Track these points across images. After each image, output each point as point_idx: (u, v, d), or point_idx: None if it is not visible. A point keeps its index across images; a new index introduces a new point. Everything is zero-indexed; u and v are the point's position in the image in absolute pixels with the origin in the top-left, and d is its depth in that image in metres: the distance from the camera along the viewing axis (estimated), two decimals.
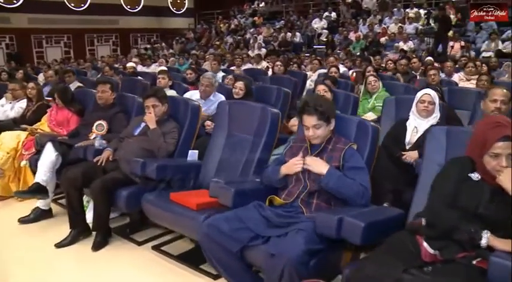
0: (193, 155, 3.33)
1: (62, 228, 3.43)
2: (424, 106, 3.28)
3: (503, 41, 10.96)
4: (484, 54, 10.72)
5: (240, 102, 3.37)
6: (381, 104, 4.51)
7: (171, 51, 15.53)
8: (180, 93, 5.28)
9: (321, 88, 3.86)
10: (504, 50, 10.56)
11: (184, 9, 19.37)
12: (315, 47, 14.61)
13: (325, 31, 15.17)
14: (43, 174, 3.52)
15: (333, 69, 6.14)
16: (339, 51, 12.69)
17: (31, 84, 4.99)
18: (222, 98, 4.59)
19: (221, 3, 18.97)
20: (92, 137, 3.75)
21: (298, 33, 14.89)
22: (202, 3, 19.31)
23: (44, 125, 4.42)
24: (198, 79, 6.38)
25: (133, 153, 3.21)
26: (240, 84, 4.39)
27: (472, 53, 10.66)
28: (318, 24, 15.55)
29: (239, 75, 6.39)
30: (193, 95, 4.59)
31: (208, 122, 4.30)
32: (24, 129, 4.39)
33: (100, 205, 3.06)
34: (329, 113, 2.38)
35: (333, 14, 16.10)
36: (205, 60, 11.74)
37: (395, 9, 14.59)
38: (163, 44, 16.45)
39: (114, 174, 3.14)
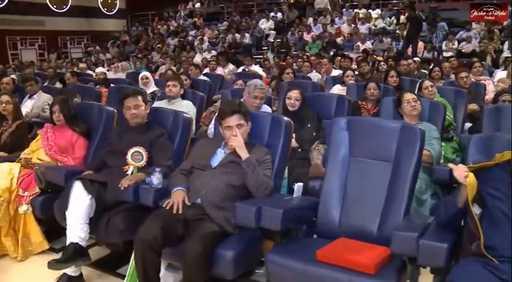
0: (299, 189, 2.49)
1: None
2: None
3: (459, 42, 11.17)
4: (445, 54, 10.84)
5: (366, 119, 2.61)
6: None
7: (108, 55, 14.11)
8: (196, 103, 4.36)
9: (411, 98, 3.19)
10: (463, 50, 10.77)
11: (116, 10, 17.77)
12: (264, 48, 14.08)
13: (273, 32, 14.74)
14: (79, 229, 2.46)
15: (349, 72, 5.51)
16: (295, 52, 12.26)
17: (5, 98, 3.75)
18: (269, 109, 3.75)
19: (154, 4, 17.73)
20: (129, 172, 2.75)
21: (247, 34, 14.22)
22: (134, 4, 17.88)
23: (39, 153, 3.28)
24: (193, 86, 5.49)
25: (221, 194, 2.33)
26: (295, 93, 3.56)
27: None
28: (265, 24, 15.04)
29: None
30: None
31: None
32: (12, 160, 3.24)
33: (197, 274, 2.09)
34: None
35: (279, 15, 15.68)
36: (159, 64, 10.68)
37: (343, 9, 14.48)
38: (98, 47, 14.89)
39: (206, 226, 2.21)
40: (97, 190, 2.55)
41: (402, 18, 12.99)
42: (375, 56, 10.27)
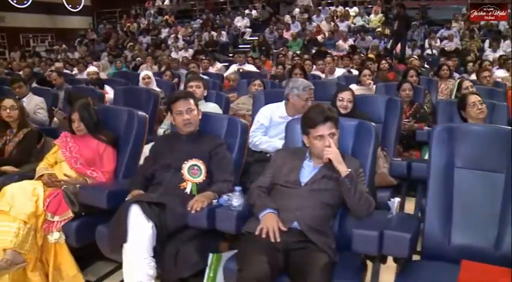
0: (394, 204, 2.17)
1: None
2: None
3: (440, 40, 11.22)
4: (428, 51, 10.88)
5: (472, 126, 2.31)
6: None
7: (76, 54, 13.35)
8: (222, 105, 3.95)
9: (477, 100, 2.94)
10: (446, 48, 10.81)
11: (81, 6, 16.81)
12: (240, 46, 13.74)
13: (249, 30, 14.43)
14: (146, 265, 2.01)
15: (367, 71, 5.22)
16: (275, 51, 11.99)
17: (9, 102, 3.22)
18: None
19: (121, 1, 17.03)
20: (187, 189, 2.33)
21: (224, 32, 13.80)
22: (100, 0, 17.03)
23: (61, 167, 2.78)
24: None
25: (317, 215, 2.00)
26: (347, 94, 3.22)
27: (418, 51, 10.73)
28: (241, 22, 14.70)
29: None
30: (273, 111, 3.29)
31: None
32: (29, 177, 2.74)
33: None
34: None
35: (254, 12, 15.37)
36: (137, 63, 10.12)
37: (320, 7, 14.33)
38: (64, 45, 14.01)
39: (316, 257, 1.83)
40: (157, 215, 2.12)
41: (380, 16, 13.06)
42: (362, 55, 10.14)
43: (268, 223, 1.93)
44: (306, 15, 13.80)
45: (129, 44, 13.42)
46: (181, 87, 6.03)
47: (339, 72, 6.65)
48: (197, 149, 2.43)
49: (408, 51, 10.70)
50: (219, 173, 2.38)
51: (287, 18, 13.95)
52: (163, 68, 9.09)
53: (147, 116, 2.98)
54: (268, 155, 3.24)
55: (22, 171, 2.95)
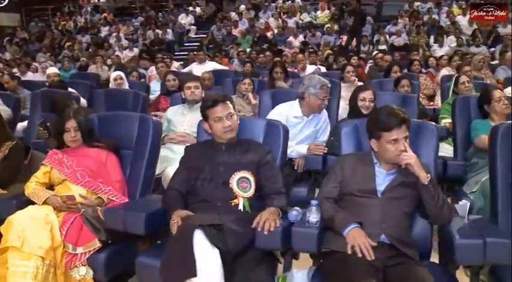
0: (465, 207, 2.03)
1: None
2: None
3: (389, 35, 11.49)
4: (379, 47, 11.10)
5: None
6: None
7: (7, 55, 12.25)
8: None
9: (502, 95, 2.89)
10: (395, 44, 11.10)
11: (6, 2, 15.38)
12: (186, 44, 13.32)
13: (193, 27, 14.04)
14: None
15: (350, 68, 5.13)
16: (226, 48, 11.72)
17: None
18: (325, 112, 3.24)
19: None
20: (240, 206, 2.06)
21: (169, 30, 13.28)
22: None
23: (67, 187, 2.37)
24: (181, 88, 4.73)
25: (400, 226, 1.85)
26: (369, 94, 3.09)
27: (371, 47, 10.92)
28: (185, 20, 14.25)
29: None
30: (288, 110, 3.07)
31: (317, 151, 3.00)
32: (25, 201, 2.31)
33: None
34: None
35: (198, 9, 14.99)
36: (82, 64, 9.43)
37: (266, 3, 14.23)
38: None
39: (418, 272, 1.65)
40: (219, 238, 1.82)
41: (327, 12, 13.22)
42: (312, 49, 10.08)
43: (359, 240, 1.73)
44: (252, 12, 13.64)
45: (67, 44, 12.53)
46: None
47: (310, 68, 6.54)
48: (243, 160, 2.15)
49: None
50: (271, 185, 2.12)
51: (233, 15, 13.72)
52: (113, 68, 8.57)
53: (161, 121, 2.65)
54: (287, 158, 3.04)
55: (13, 194, 2.50)
